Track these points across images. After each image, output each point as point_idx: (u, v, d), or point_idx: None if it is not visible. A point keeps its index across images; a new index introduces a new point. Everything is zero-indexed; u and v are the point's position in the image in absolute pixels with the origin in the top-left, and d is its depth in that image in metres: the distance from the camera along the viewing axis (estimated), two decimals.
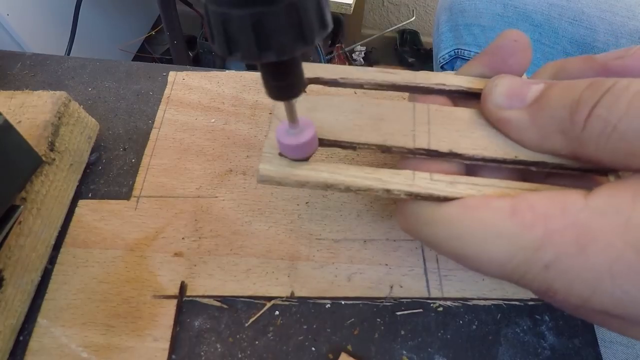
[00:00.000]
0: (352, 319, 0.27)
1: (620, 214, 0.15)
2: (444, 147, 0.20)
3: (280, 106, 0.22)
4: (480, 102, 0.21)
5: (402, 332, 0.27)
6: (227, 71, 0.38)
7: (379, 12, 1.60)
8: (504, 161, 0.20)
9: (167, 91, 0.36)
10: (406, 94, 0.27)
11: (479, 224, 0.17)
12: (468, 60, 0.54)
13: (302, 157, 0.21)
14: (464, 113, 0.22)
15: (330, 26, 0.15)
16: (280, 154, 0.21)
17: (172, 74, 0.37)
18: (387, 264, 0.28)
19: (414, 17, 1.55)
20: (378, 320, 0.27)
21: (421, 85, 0.23)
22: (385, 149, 0.21)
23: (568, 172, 0.20)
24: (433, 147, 0.21)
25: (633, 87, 0.16)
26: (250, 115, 0.35)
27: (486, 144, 0.20)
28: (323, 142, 0.21)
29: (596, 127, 0.16)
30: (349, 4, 0.75)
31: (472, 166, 0.21)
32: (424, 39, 1.62)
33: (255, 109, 0.35)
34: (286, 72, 0.16)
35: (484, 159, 0.20)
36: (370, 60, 1.63)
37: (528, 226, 0.16)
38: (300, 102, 0.22)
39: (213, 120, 0.35)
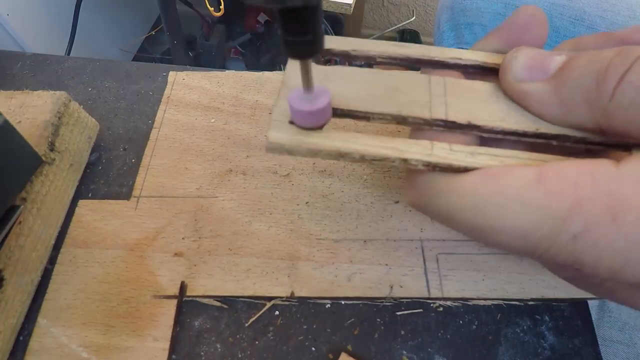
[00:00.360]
0: (352, 319, 0.27)
1: None
2: (461, 119, 0.20)
3: (290, 74, 0.21)
4: (499, 75, 0.21)
5: (402, 332, 0.27)
6: (227, 71, 0.38)
7: (379, 12, 1.60)
8: (524, 134, 0.19)
9: (167, 91, 0.36)
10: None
11: (502, 193, 0.17)
12: None
13: (316, 125, 0.20)
14: (482, 86, 0.21)
15: None
16: (291, 122, 0.20)
17: (172, 74, 0.37)
18: (387, 264, 0.28)
19: (414, 17, 1.55)
20: (378, 320, 0.27)
21: (436, 59, 0.22)
22: (401, 120, 0.20)
23: (589, 146, 0.19)
24: (451, 118, 0.20)
25: None
26: (250, 115, 0.35)
27: (505, 116, 0.20)
28: (336, 113, 0.20)
29: (626, 96, 0.16)
30: (349, 4, 0.75)
31: (490, 140, 0.21)
32: (424, 39, 1.62)
33: (255, 109, 0.35)
34: (307, 24, 0.16)
35: (503, 132, 0.20)
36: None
37: (556, 194, 0.16)
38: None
39: (213, 120, 0.35)
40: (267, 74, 0.38)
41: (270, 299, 0.28)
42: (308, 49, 0.16)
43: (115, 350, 0.25)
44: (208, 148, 0.33)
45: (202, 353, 0.26)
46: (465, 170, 0.18)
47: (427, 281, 0.28)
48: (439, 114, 0.20)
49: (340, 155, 0.19)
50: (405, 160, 0.19)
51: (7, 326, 0.25)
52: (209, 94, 0.36)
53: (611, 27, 0.49)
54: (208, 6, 0.87)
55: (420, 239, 0.29)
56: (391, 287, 0.28)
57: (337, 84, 0.21)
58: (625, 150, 0.19)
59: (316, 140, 0.19)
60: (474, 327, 0.27)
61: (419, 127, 0.20)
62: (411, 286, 0.28)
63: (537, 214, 0.16)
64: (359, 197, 0.31)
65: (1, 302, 0.25)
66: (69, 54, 0.98)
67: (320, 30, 0.16)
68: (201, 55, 1.24)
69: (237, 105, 0.35)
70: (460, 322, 0.27)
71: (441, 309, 0.27)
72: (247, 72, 0.38)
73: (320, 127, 0.20)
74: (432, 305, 0.27)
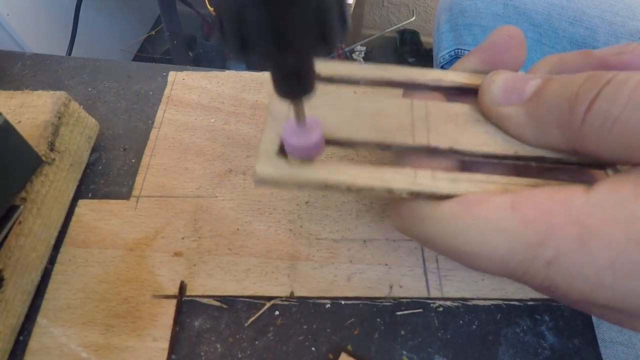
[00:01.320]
0: (352, 319, 0.27)
1: (622, 208, 0.15)
2: (444, 144, 0.20)
3: (275, 103, 0.21)
4: (478, 97, 0.21)
5: (402, 332, 0.27)
6: (227, 71, 0.38)
7: (379, 12, 1.60)
8: (503, 157, 0.20)
9: (167, 91, 0.36)
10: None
11: (479, 220, 0.17)
12: None
13: (309, 157, 0.20)
14: (462, 108, 0.22)
15: (350, 25, 0.14)
16: (279, 154, 0.20)
17: (172, 74, 0.37)
18: (386, 264, 0.28)
19: (414, 17, 1.55)
20: (378, 320, 0.27)
21: (418, 82, 0.23)
22: (384, 147, 0.21)
23: (567, 166, 0.20)
24: (433, 144, 0.20)
25: (633, 79, 0.16)
26: (250, 115, 0.35)
27: (485, 139, 0.20)
28: None
29: (596, 120, 0.16)
30: (348, 3, 0.76)
31: (470, 163, 0.21)
32: (424, 39, 1.62)
33: (255, 109, 0.35)
34: (300, 71, 0.15)
35: (483, 155, 0.20)
36: (370, 60, 1.63)
37: (530, 222, 0.16)
38: None
39: (213, 120, 0.35)
40: (267, 74, 0.38)
41: (270, 298, 0.28)
42: (301, 90, 0.16)
43: (114, 350, 0.25)
44: (208, 148, 0.33)
45: (202, 353, 0.26)
46: (447, 197, 0.19)
47: (427, 281, 0.28)
48: (422, 139, 0.21)
49: (327, 187, 0.20)
50: (390, 191, 0.19)
51: (7, 326, 0.25)
52: (209, 94, 0.36)
53: (610, 28, 0.49)
54: (208, 6, 0.87)
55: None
56: (391, 287, 0.28)
57: (322, 110, 0.21)
58: (600, 169, 0.20)
59: (305, 173, 0.20)
60: (474, 327, 0.27)
61: (402, 153, 0.21)
62: (411, 286, 0.28)
63: (512, 241, 0.17)
64: (358, 197, 0.31)
65: (1, 302, 0.25)
66: (69, 54, 0.98)
67: (313, 71, 0.16)
68: (201, 55, 1.24)
69: (237, 105, 0.35)
70: (460, 322, 0.27)
71: (441, 309, 0.27)
72: (246, 72, 0.38)
73: (311, 159, 0.20)
74: (432, 305, 0.27)
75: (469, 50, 0.60)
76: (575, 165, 0.20)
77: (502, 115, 0.20)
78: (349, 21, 0.14)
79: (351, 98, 0.22)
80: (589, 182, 0.18)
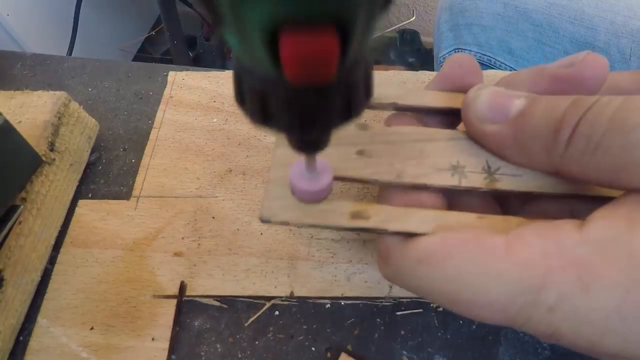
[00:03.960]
0: (352, 319, 0.27)
1: (619, 246, 0.15)
2: (429, 179, 0.20)
3: (281, 154, 0.21)
4: (462, 113, 0.21)
5: (402, 332, 0.27)
6: (226, 71, 0.38)
7: None
8: (487, 189, 0.20)
9: (167, 91, 0.36)
10: None
11: (473, 264, 0.16)
12: None
13: (317, 200, 0.20)
14: (442, 134, 0.22)
15: (373, 94, 0.14)
16: (284, 195, 0.20)
17: (171, 74, 0.37)
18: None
19: (414, 17, 1.55)
20: (378, 320, 0.27)
21: (399, 104, 0.23)
22: (371, 182, 0.21)
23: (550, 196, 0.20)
24: (420, 181, 0.20)
25: (614, 103, 0.16)
26: None
27: (464, 166, 0.20)
28: None
29: (579, 145, 0.16)
30: None
31: (452, 193, 0.21)
32: (424, 38, 1.61)
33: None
34: (321, 140, 0.15)
35: (465, 188, 0.20)
36: None
37: (526, 265, 0.16)
38: None
39: (213, 120, 0.35)
40: None
41: (270, 298, 0.28)
42: (317, 147, 0.16)
43: (114, 350, 0.25)
44: (208, 148, 0.33)
45: (202, 353, 0.26)
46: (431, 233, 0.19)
47: None
48: (406, 176, 0.20)
49: (336, 229, 0.22)
50: (384, 231, 0.19)
51: (7, 326, 0.25)
52: (209, 94, 0.36)
53: (610, 27, 0.48)
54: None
55: None
56: (390, 287, 0.28)
57: None
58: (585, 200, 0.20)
59: (312, 216, 0.20)
60: (474, 327, 0.27)
61: (387, 187, 0.21)
62: None
63: (511, 286, 0.16)
64: (358, 197, 0.31)
65: (1, 302, 0.25)
66: (70, 54, 0.98)
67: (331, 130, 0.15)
68: (201, 55, 1.24)
69: (235, 105, 0.35)
70: (460, 322, 0.27)
71: (441, 308, 0.27)
72: None
73: (319, 202, 0.20)
74: (432, 305, 0.27)
75: (469, 50, 0.59)
76: (561, 196, 0.20)
77: (486, 133, 0.20)
78: (373, 92, 0.14)
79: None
80: (575, 209, 0.18)
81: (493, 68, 0.58)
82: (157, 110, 0.35)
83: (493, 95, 0.20)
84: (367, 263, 0.28)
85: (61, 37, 1.04)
